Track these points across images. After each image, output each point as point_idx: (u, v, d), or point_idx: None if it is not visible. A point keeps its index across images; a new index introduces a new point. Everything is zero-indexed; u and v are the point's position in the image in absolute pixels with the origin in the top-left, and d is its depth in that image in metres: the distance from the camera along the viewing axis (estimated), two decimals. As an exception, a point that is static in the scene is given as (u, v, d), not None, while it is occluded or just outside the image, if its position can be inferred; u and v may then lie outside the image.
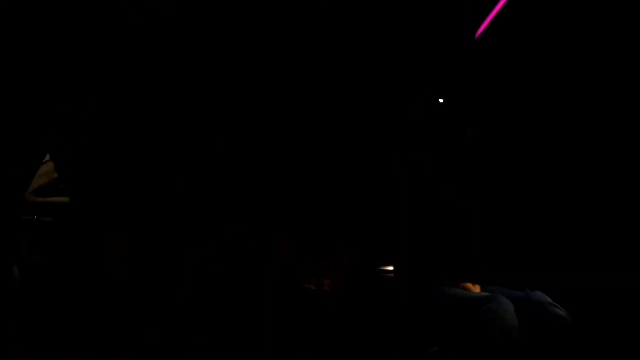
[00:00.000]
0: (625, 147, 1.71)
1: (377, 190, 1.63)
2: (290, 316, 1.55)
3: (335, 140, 1.53)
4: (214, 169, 1.45)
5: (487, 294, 1.20)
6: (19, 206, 1.08)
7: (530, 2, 1.73)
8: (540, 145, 1.76)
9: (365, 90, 1.60)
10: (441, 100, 1.88)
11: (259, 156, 1.51)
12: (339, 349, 1.51)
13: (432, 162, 1.52)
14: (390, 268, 1.54)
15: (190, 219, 1.32)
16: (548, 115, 1.77)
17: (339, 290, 1.59)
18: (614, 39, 1.70)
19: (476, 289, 1.34)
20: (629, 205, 1.67)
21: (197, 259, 1.41)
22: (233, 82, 1.40)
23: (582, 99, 1.75)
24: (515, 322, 1.10)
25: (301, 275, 1.60)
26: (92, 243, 1.08)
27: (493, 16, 1.65)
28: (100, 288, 1.11)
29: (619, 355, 1.24)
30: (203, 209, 1.38)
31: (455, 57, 1.46)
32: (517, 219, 1.73)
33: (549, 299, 1.22)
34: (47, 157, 1.12)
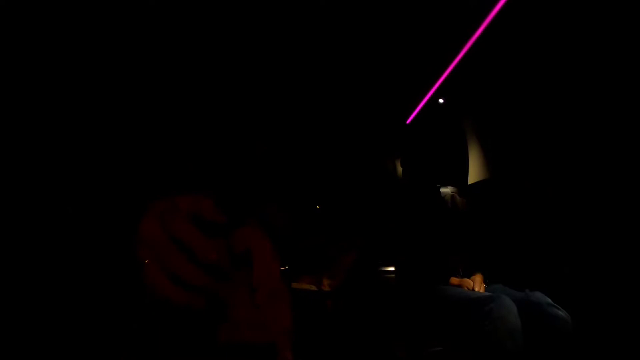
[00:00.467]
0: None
1: (378, 192, 1.62)
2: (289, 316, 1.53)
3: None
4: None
5: (489, 294, 1.20)
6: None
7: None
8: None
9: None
10: (441, 101, 1.89)
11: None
12: (339, 349, 1.50)
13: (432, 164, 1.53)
14: (391, 268, 1.54)
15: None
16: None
17: (340, 290, 1.58)
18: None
19: (480, 288, 1.34)
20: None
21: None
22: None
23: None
24: (518, 323, 1.10)
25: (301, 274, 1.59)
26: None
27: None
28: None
29: (619, 355, 1.26)
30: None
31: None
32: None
33: (549, 300, 1.23)
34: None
